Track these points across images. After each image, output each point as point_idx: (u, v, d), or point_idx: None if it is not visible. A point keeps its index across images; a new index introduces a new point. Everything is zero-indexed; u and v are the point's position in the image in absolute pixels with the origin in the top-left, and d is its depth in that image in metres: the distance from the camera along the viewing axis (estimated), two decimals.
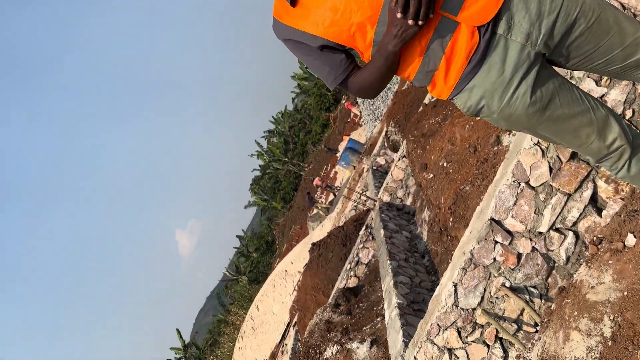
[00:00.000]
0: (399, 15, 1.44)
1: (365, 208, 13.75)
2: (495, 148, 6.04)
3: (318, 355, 8.78)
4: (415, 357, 4.32)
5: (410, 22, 1.45)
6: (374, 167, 14.41)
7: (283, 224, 46.30)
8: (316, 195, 33.65)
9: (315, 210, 26.04)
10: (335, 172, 31.98)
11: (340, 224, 14.90)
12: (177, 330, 45.34)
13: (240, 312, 34.61)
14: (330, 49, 1.61)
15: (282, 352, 17.75)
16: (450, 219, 5.70)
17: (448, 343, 4.19)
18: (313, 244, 13.39)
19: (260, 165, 55.06)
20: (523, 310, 4.00)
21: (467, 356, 4.14)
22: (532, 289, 4.01)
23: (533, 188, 3.92)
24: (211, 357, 38.80)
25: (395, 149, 13.26)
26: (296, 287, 19.64)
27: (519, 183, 4.00)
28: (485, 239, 4.05)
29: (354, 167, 22.25)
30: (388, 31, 1.51)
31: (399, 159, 10.57)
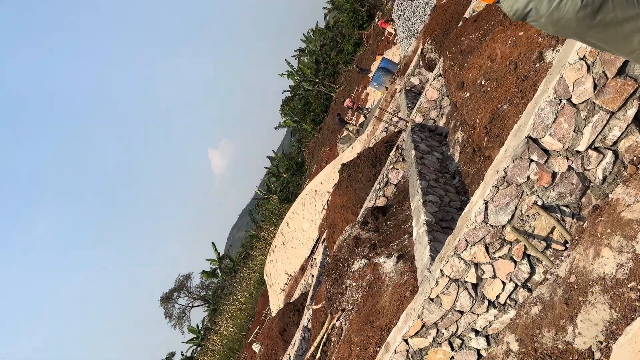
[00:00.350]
0: None
1: (396, 129, 13.61)
2: (537, 65, 5.78)
3: (346, 268, 9.15)
4: (441, 270, 4.46)
5: None
6: (407, 88, 14.06)
7: (313, 145, 46.50)
8: (346, 117, 33.36)
9: (345, 132, 25.94)
10: (367, 94, 31.39)
11: (370, 145, 14.86)
12: (212, 243, 47.65)
13: (271, 229, 35.94)
14: None
15: (311, 265, 18.54)
16: (485, 139, 5.61)
17: (475, 258, 4.29)
18: (343, 165, 13.49)
19: (290, 86, 54.41)
20: (553, 228, 4.02)
21: (494, 271, 4.25)
22: (565, 208, 4.00)
23: (574, 105, 3.78)
24: (244, 269, 40.98)
25: (430, 67, 12.84)
26: (325, 206, 20.10)
27: (560, 100, 3.86)
28: (521, 157, 3.99)
29: (386, 88, 21.75)
30: None
31: (434, 78, 10.26)
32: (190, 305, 54.57)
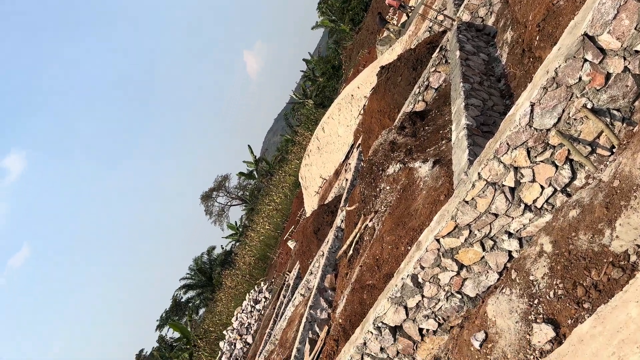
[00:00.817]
0: None
1: (440, 29, 12.90)
2: None
3: (380, 172, 9.24)
4: (479, 174, 4.44)
5: None
6: None
7: (350, 48, 44.93)
8: (387, 16, 31.71)
9: (385, 33, 24.80)
10: None
11: (412, 47, 14.23)
12: (249, 146, 48.53)
13: (306, 133, 36.12)
14: None
15: (345, 169, 18.79)
16: (537, 38, 5.28)
17: (515, 162, 4.23)
18: (382, 67, 13.08)
19: None
20: (601, 133, 3.87)
21: (533, 175, 4.20)
22: (615, 112, 3.82)
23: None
24: (280, 172, 42.01)
25: None
26: (362, 111, 19.87)
27: None
28: (574, 57, 3.76)
29: None
30: None
31: None
32: (229, 204, 57.07)
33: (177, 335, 41.66)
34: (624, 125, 3.80)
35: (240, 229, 50.23)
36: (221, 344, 26.92)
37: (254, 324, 24.90)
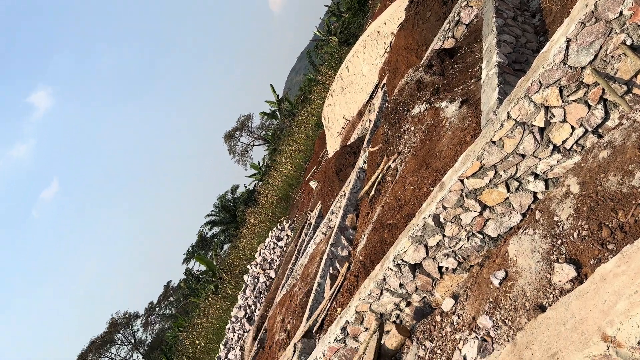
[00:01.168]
0: None
1: None
2: None
3: (406, 112, 9.10)
4: (508, 113, 4.33)
5: None
6: None
7: None
8: None
9: None
10: None
11: None
12: (271, 85, 48.05)
13: (329, 73, 35.47)
14: None
15: (369, 110, 18.54)
16: None
17: (547, 101, 4.10)
18: (410, 1, 12.55)
19: None
20: (639, 71, 3.70)
21: (564, 115, 4.08)
22: None
23: None
24: (302, 112, 41.75)
25: None
26: (388, 48, 19.29)
27: None
28: None
29: None
30: None
31: None
32: (252, 144, 57.42)
33: (203, 268, 43.47)
34: None
35: (263, 169, 50.80)
36: (245, 277, 28.02)
37: (276, 260, 25.73)
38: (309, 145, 37.07)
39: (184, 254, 53.03)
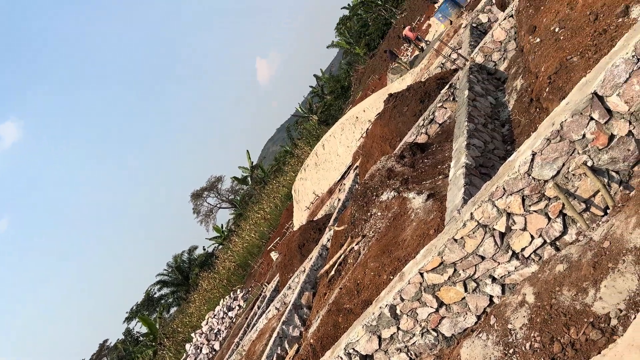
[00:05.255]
0: None
1: (452, 67, 13.05)
2: (620, 20, 5.32)
3: (374, 197, 9.23)
4: (472, 214, 4.43)
5: None
6: (474, 25, 13.28)
7: (362, 71, 45.30)
8: (402, 47, 32.08)
9: (396, 63, 25.06)
10: (429, 25, 29.87)
11: (422, 79, 14.37)
12: (247, 151, 48.52)
13: (306, 148, 36.18)
14: None
15: (340, 189, 18.77)
16: (546, 90, 5.33)
17: (509, 207, 4.23)
18: (390, 95, 13.17)
19: (349, 5, 52.21)
20: (597, 192, 3.89)
21: (525, 223, 4.20)
22: (614, 174, 3.84)
23: None
24: (274, 181, 41.93)
25: (503, 6, 12.01)
26: (364, 134, 19.94)
27: (639, 60, 3.59)
28: (581, 113, 3.79)
29: (451, 21, 20.62)
30: None
31: (505, 18, 9.63)
32: (218, 206, 56.78)
33: (144, 330, 41.02)
34: (621, 188, 3.81)
35: (225, 233, 49.91)
36: (187, 346, 26.52)
37: (223, 331, 24.58)
38: (275, 215, 36.88)
39: (126, 312, 50.18)
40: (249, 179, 51.37)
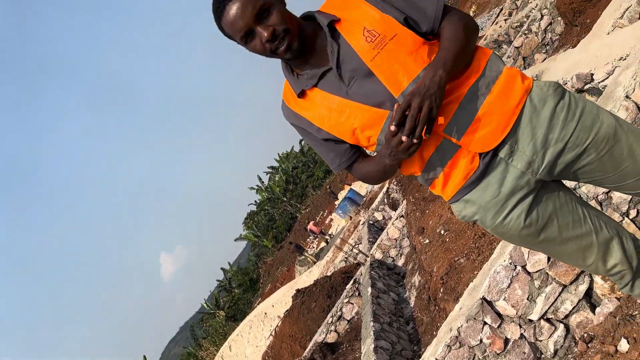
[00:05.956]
0: (392, 128, 1.37)
1: (355, 261, 13.56)
2: None
3: None
4: None
5: (403, 138, 1.37)
6: (371, 222, 14.33)
7: (270, 263, 45.67)
8: (308, 239, 33.36)
9: (303, 256, 25.73)
10: (331, 219, 31.83)
11: (329, 273, 14.66)
12: (144, 357, 43.92)
13: (211, 348, 33.62)
14: (334, 140, 1.59)
15: None
16: (441, 290, 5.59)
17: None
18: (297, 291, 13.13)
19: (257, 201, 54.90)
20: None
21: None
22: None
23: (529, 273, 3.84)
24: None
25: (394, 206, 13.23)
26: (273, 332, 19.13)
27: (516, 266, 3.93)
28: (475, 318, 3.93)
29: (351, 217, 22.16)
30: (385, 145, 1.45)
31: (397, 218, 10.52)
32: None
33: None
34: None
35: None
36: None
37: None
38: None
39: None
40: None
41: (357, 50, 1.44)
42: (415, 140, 1.37)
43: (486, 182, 1.50)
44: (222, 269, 53.61)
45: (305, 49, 1.48)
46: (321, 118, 1.54)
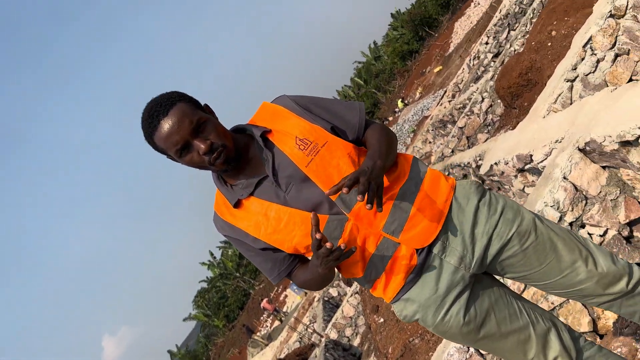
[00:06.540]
0: (317, 235, 1.35)
1: (310, 342, 13.05)
2: None
3: None
4: None
5: (333, 245, 1.35)
6: (325, 298, 13.99)
7: (221, 344, 43.38)
8: (262, 318, 32.16)
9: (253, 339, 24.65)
10: (286, 296, 31.02)
11: (282, 355, 13.99)
12: None
13: None
14: (272, 249, 1.58)
15: None
16: None
17: None
18: None
19: (208, 277, 53.00)
20: None
21: None
22: None
23: (482, 355, 3.75)
24: None
25: (349, 282, 13.04)
26: None
27: (469, 348, 3.83)
28: None
29: (305, 293, 21.64)
30: (314, 255, 1.43)
31: (352, 295, 10.32)
32: None
33: None
34: None
35: None
36: None
37: None
38: None
39: None
40: None
41: (292, 157, 1.48)
42: (342, 249, 1.35)
43: (424, 279, 1.53)
44: (169, 351, 50.46)
45: (240, 160, 1.52)
46: (257, 226, 1.53)
